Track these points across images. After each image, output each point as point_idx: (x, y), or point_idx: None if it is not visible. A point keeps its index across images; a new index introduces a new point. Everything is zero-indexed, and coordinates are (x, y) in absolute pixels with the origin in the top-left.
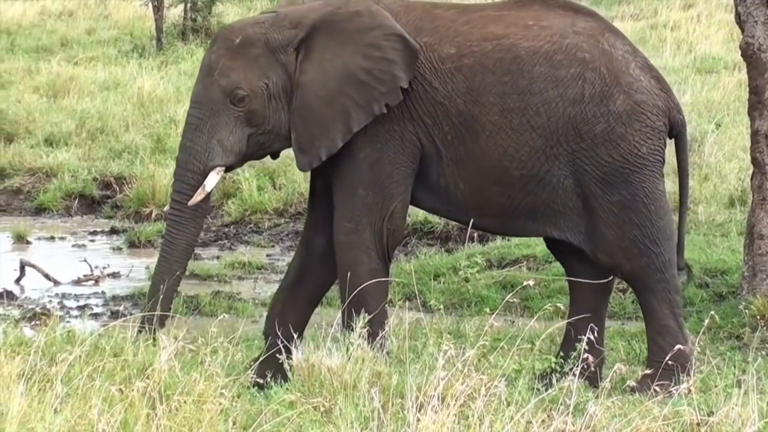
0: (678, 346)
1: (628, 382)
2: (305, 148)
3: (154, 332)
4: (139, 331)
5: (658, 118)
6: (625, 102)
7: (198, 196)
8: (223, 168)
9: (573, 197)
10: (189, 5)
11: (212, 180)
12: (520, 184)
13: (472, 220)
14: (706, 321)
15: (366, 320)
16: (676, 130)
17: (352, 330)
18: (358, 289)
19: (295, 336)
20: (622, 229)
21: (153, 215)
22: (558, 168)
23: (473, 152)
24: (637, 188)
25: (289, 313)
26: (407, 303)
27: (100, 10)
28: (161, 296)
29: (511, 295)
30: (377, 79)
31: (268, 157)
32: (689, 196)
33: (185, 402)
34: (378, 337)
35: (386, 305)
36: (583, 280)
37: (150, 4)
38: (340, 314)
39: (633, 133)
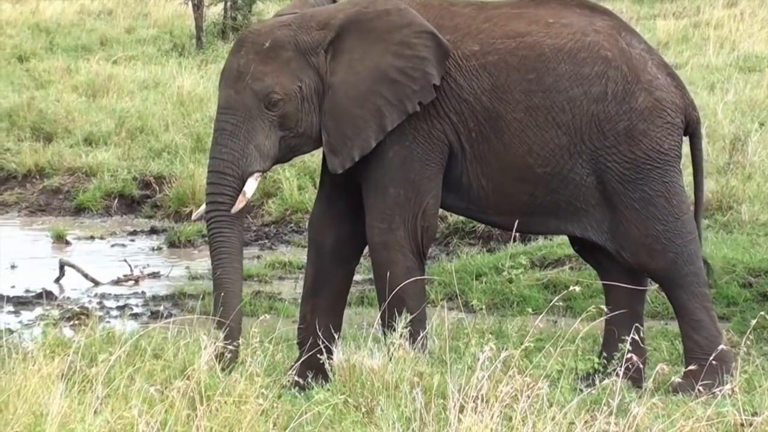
0: (721, 347)
1: (672, 379)
2: (338, 150)
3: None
4: (222, 353)
5: (677, 114)
6: (647, 99)
7: (240, 204)
8: (261, 173)
9: (595, 194)
10: (229, 3)
11: (252, 186)
12: (544, 182)
13: (490, 219)
14: (753, 321)
15: (407, 320)
16: (691, 127)
17: (393, 330)
18: (397, 289)
19: (336, 335)
20: (645, 226)
21: (193, 215)
22: (581, 166)
23: (497, 149)
24: (659, 184)
25: (321, 320)
26: (449, 303)
27: (140, 8)
28: (233, 298)
29: (557, 298)
30: (410, 77)
31: (309, 155)
32: (704, 192)
33: (225, 402)
34: (419, 337)
35: (425, 303)
36: (620, 284)
37: (190, 3)
38: (379, 315)
39: (655, 129)
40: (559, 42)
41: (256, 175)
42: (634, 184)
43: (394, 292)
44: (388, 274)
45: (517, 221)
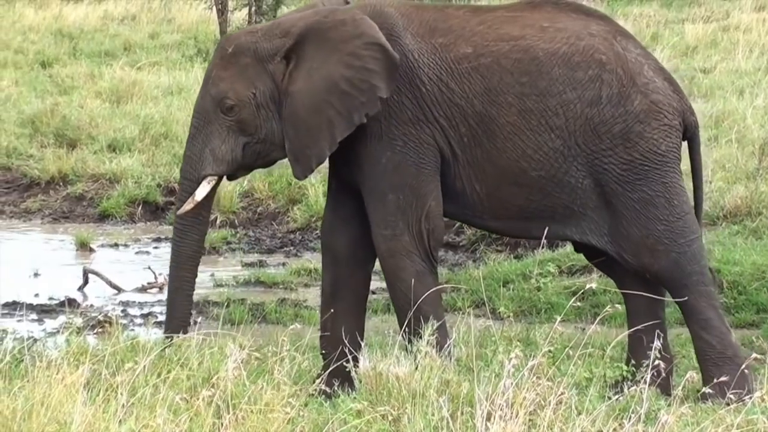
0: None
1: (703, 390)
2: (299, 158)
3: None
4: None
5: (675, 117)
6: (643, 102)
7: (187, 206)
8: (215, 177)
9: (593, 198)
10: (253, 8)
11: (202, 189)
12: (539, 186)
13: (487, 224)
14: None
15: (432, 327)
16: (690, 131)
17: (412, 338)
18: (408, 295)
19: (360, 341)
20: (646, 227)
21: (218, 222)
22: (576, 169)
23: (490, 154)
24: (659, 184)
25: (343, 327)
26: (476, 310)
27: (164, 13)
28: (177, 305)
29: (574, 299)
30: (357, 89)
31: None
32: (703, 197)
33: (252, 411)
34: (444, 344)
35: (441, 305)
36: (643, 294)
37: (214, 8)
38: (398, 322)
39: (651, 131)
40: (553, 46)
41: (209, 178)
42: (632, 185)
43: (407, 299)
44: (399, 280)
45: (515, 225)
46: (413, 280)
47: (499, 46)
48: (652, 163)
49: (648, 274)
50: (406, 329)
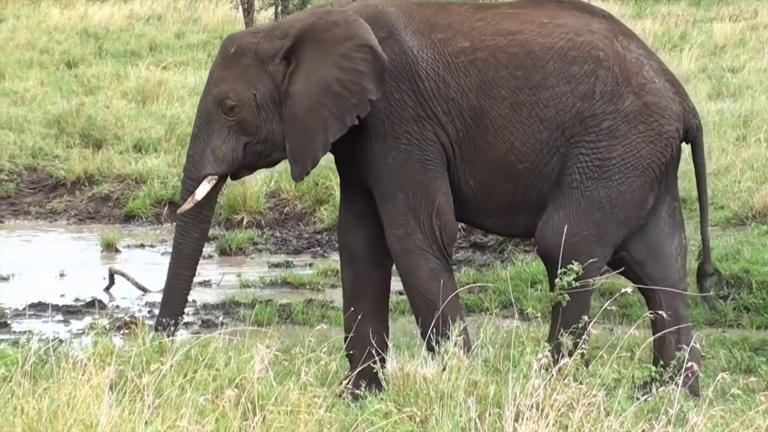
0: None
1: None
2: (297, 159)
3: (168, 336)
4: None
5: (669, 122)
6: (634, 103)
7: (187, 205)
8: (216, 177)
9: (555, 185)
10: (280, 8)
11: (203, 189)
12: (523, 177)
13: (481, 222)
14: None
15: (458, 328)
16: (691, 134)
17: (432, 337)
18: (424, 293)
19: (388, 341)
20: (579, 225)
21: (244, 222)
22: (557, 159)
23: (482, 148)
24: (615, 190)
25: (366, 327)
26: (503, 311)
27: (189, 13)
28: (172, 302)
29: (609, 302)
30: (349, 91)
31: None
32: (707, 201)
33: (279, 413)
34: (460, 337)
35: (459, 303)
36: (659, 288)
37: (240, 7)
38: (416, 321)
39: (636, 134)
40: (550, 40)
41: (209, 177)
42: (593, 182)
43: (423, 298)
44: (414, 279)
45: (503, 222)
46: (428, 278)
47: (497, 41)
48: (623, 167)
49: (549, 265)
50: (425, 329)
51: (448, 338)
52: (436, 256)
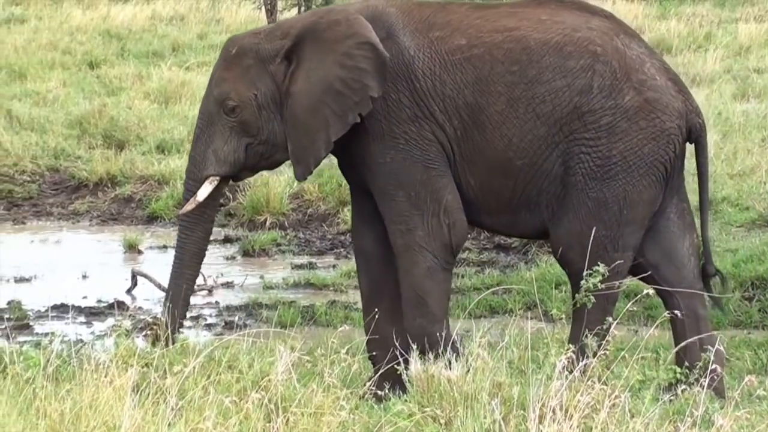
0: None
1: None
2: (300, 159)
3: (170, 335)
4: (155, 335)
5: (670, 119)
6: (634, 98)
7: (189, 206)
8: (217, 178)
9: (560, 186)
10: (303, 8)
11: (204, 190)
12: (522, 174)
13: (482, 221)
14: None
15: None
16: (695, 134)
17: (411, 337)
18: (416, 290)
19: (410, 342)
20: (589, 227)
21: (267, 223)
22: (556, 155)
23: (480, 146)
24: (620, 189)
25: (387, 328)
26: (528, 312)
27: (212, 14)
28: (175, 302)
29: (631, 303)
30: (351, 89)
31: None
32: (708, 201)
33: (302, 414)
34: (438, 337)
35: (447, 304)
36: (680, 289)
37: (263, 8)
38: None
39: (637, 131)
40: (547, 36)
41: (211, 178)
42: (597, 183)
43: (414, 294)
44: (409, 275)
45: (504, 221)
46: (423, 276)
47: (493, 37)
48: (626, 164)
49: (567, 269)
50: (409, 325)
51: (432, 339)
52: (436, 255)
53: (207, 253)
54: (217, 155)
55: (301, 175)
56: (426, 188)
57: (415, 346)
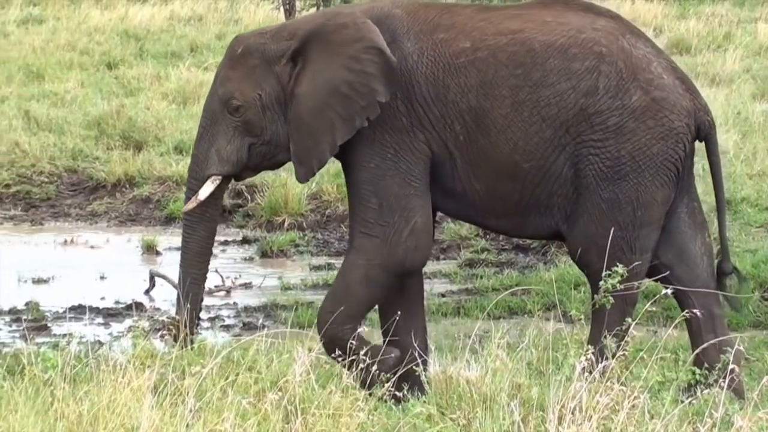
0: None
1: None
2: (302, 160)
3: (186, 337)
4: (165, 335)
5: (679, 117)
6: (642, 98)
7: (190, 204)
8: (220, 177)
9: (572, 189)
10: (321, 8)
11: (206, 189)
12: (529, 177)
13: (489, 223)
14: None
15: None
16: (704, 131)
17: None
18: (346, 293)
19: (428, 343)
20: (606, 228)
21: (285, 224)
22: (564, 158)
23: (485, 150)
24: (633, 190)
25: (407, 330)
26: (547, 313)
27: (230, 14)
28: (184, 302)
29: (649, 303)
30: (358, 93)
31: None
32: (724, 200)
33: (321, 415)
34: (342, 333)
35: (364, 315)
36: (695, 289)
37: (281, 8)
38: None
39: (645, 130)
40: (551, 38)
41: (213, 178)
42: (608, 183)
43: (341, 288)
44: (346, 276)
45: (512, 223)
46: (359, 281)
47: (497, 40)
48: (636, 165)
49: (585, 271)
50: (323, 312)
51: (336, 335)
52: (383, 269)
53: (225, 253)
54: (219, 154)
55: (303, 177)
56: (399, 203)
57: (316, 332)
